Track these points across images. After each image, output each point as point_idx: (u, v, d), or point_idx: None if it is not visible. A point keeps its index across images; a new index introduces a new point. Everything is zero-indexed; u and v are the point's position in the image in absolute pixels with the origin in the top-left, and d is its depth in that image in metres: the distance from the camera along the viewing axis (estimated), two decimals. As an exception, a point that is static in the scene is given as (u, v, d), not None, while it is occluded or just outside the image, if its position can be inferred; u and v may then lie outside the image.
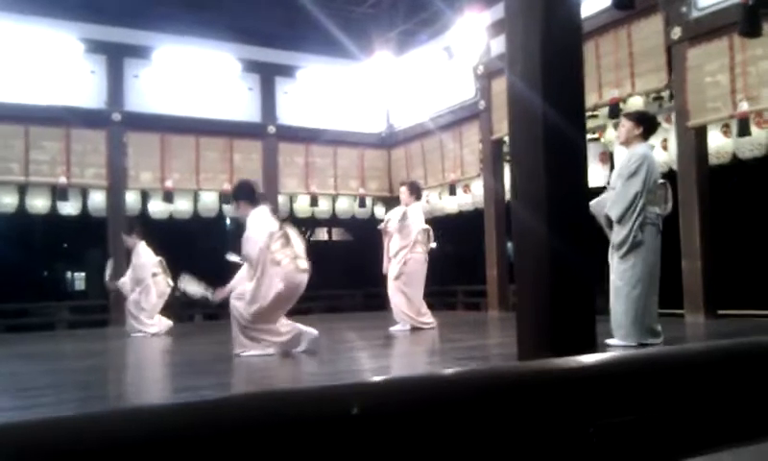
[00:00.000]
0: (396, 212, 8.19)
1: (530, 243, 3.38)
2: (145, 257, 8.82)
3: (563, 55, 3.43)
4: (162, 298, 8.91)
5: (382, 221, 8.36)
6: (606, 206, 5.01)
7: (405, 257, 7.88)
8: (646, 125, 5.18)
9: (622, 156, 5.53)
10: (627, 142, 5.17)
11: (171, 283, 8.91)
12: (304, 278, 5.74)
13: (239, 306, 5.67)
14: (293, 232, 5.80)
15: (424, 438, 1.91)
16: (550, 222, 3.26)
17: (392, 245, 8.03)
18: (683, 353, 2.90)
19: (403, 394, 2.00)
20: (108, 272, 9.76)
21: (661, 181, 5.15)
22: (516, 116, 3.59)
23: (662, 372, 2.53)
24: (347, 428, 1.75)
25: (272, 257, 5.56)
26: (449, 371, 2.47)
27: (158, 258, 8.97)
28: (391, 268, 7.97)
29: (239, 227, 9.94)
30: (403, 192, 8.20)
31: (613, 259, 4.98)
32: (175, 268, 9.58)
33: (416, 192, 8.22)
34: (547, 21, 3.36)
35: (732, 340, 3.01)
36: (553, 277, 3.21)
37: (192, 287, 5.98)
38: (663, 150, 8.77)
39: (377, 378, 2.31)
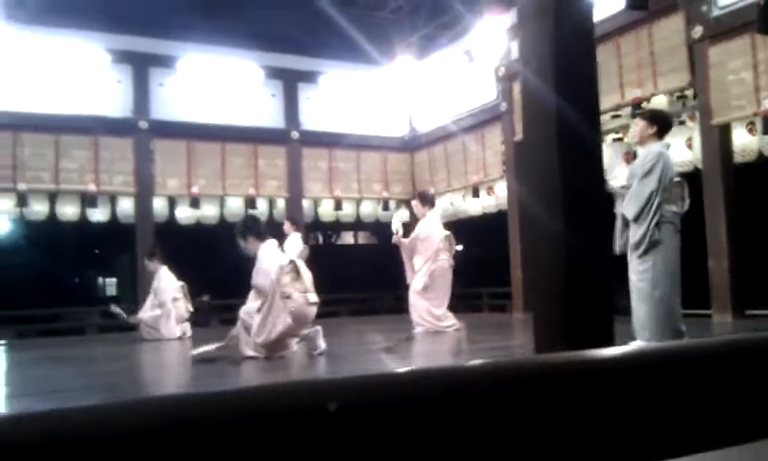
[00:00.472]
0: (396, 220, 8.18)
1: (545, 241, 3.41)
2: (166, 282, 8.87)
3: (575, 56, 3.46)
4: (180, 322, 8.90)
5: (397, 230, 8.24)
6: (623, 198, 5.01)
7: (430, 269, 7.86)
8: (660, 124, 5.15)
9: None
10: (641, 142, 5.15)
11: (191, 309, 9.00)
12: (313, 310, 5.89)
13: (246, 319, 5.79)
14: (302, 266, 5.91)
15: (431, 432, 1.93)
16: (565, 220, 3.29)
17: (415, 260, 8.00)
18: (699, 348, 2.89)
19: (408, 387, 2.03)
20: (118, 310, 9.42)
21: (678, 178, 5.12)
22: (530, 116, 3.63)
23: (680, 366, 2.52)
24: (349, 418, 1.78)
25: (282, 291, 5.67)
26: (455, 364, 2.50)
27: (180, 283, 9.00)
28: (416, 281, 7.94)
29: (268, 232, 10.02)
30: (415, 206, 8.23)
31: (632, 260, 4.95)
32: (203, 272, 9.74)
33: (428, 201, 8.21)
34: (559, 23, 3.39)
35: (746, 333, 2.99)
36: (569, 274, 3.24)
37: (206, 349, 6.02)
38: (688, 149, 8.70)
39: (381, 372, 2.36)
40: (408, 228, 8.24)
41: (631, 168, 5.24)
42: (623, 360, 2.52)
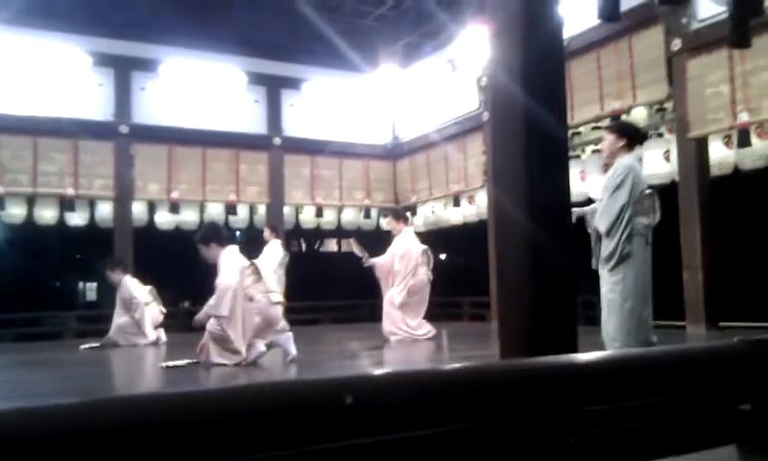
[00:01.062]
0: (354, 247, 8.20)
1: (513, 249, 3.42)
2: (135, 289, 8.80)
3: (545, 68, 3.47)
4: (155, 325, 8.82)
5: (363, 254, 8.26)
6: (594, 215, 5.03)
7: (408, 284, 7.89)
8: (629, 136, 5.16)
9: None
10: (612, 155, 5.17)
11: (164, 310, 8.92)
12: (278, 310, 5.96)
13: (214, 330, 5.78)
14: (264, 268, 5.93)
15: (400, 435, 1.94)
16: (532, 230, 3.30)
17: (396, 276, 7.98)
18: (656, 356, 2.91)
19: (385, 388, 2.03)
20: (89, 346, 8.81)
21: (649, 191, 5.14)
22: (500, 127, 3.64)
23: (639, 374, 2.53)
24: (339, 420, 1.78)
25: (245, 293, 5.72)
26: (422, 368, 2.50)
27: (148, 287, 8.91)
28: (395, 295, 7.91)
29: (248, 238, 9.96)
30: (390, 223, 8.24)
31: (603, 273, 4.98)
32: (182, 277, 9.69)
33: (402, 218, 8.27)
34: (529, 36, 3.41)
35: (705, 343, 3.02)
36: (534, 281, 3.25)
37: (176, 364, 5.99)
38: (666, 161, 8.75)
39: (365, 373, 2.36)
40: (383, 242, 8.25)
41: (603, 182, 5.26)
42: (583, 367, 2.54)
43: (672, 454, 2.09)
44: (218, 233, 6.22)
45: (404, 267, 7.90)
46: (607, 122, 9.01)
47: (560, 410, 2.17)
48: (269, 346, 5.96)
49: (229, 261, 5.85)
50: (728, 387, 2.13)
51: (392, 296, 7.93)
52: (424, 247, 8.11)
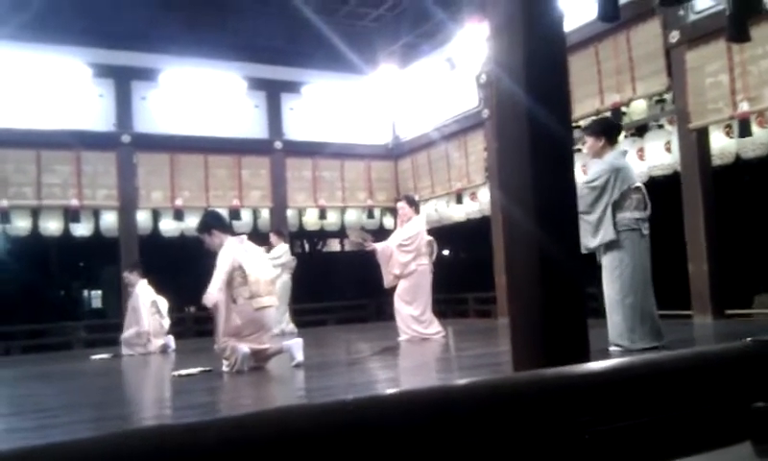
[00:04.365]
0: (356, 234, 8.28)
1: (520, 248, 3.45)
2: (143, 298, 8.83)
3: (547, 64, 3.50)
4: (157, 337, 8.81)
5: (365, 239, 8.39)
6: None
7: (410, 270, 7.94)
8: (606, 133, 5.22)
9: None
10: (596, 155, 5.24)
11: (165, 324, 8.91)
12: (262, 314, 5.73)
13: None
14: (256, 270, 5.73)
15: (423, 449, 1.99)
16: (539, 227, 3.33)
17: (397, 259, 8.03)
18: (673, 360, 2.95)
19: (406, 406, 2.09)
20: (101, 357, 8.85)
21: (637, 184, 5.18)
22: (504, 125, 3.67)
23: (656, 378, 2.58)
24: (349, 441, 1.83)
25: (230, 294, 5.65)
26: (449, 383, 2.56)
27: (153, 299, 8.89)
28: (402, 287, 7.98)
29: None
30: (402, 207, 8.23)
31: (602, 269, 5.04)
32: (187, 284, 9.71)
33: (415, 205, 8.29)
34: (530, 33, 3.44)
35: (718, 345, 3.06)
36: (543, 280, 3.28)
37: (189, 372, 5.95)
38: (667, 152, 8.79)
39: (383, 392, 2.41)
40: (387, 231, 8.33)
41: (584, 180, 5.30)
42: (594, 375, 2.59)
43: (689, 453, 2.13)
44: (218, 219, 6.10)
45: (410, 250, 7.93)
46: (608, 116, 9.04)
47: (580, 414, 2.22)
48: (275, 352, 5.92)
49: (224, 256, 5.68)
50: (742, 386, 2.17)
51: (402, 289, 7.96)
52: (430, 238, 8.16)
